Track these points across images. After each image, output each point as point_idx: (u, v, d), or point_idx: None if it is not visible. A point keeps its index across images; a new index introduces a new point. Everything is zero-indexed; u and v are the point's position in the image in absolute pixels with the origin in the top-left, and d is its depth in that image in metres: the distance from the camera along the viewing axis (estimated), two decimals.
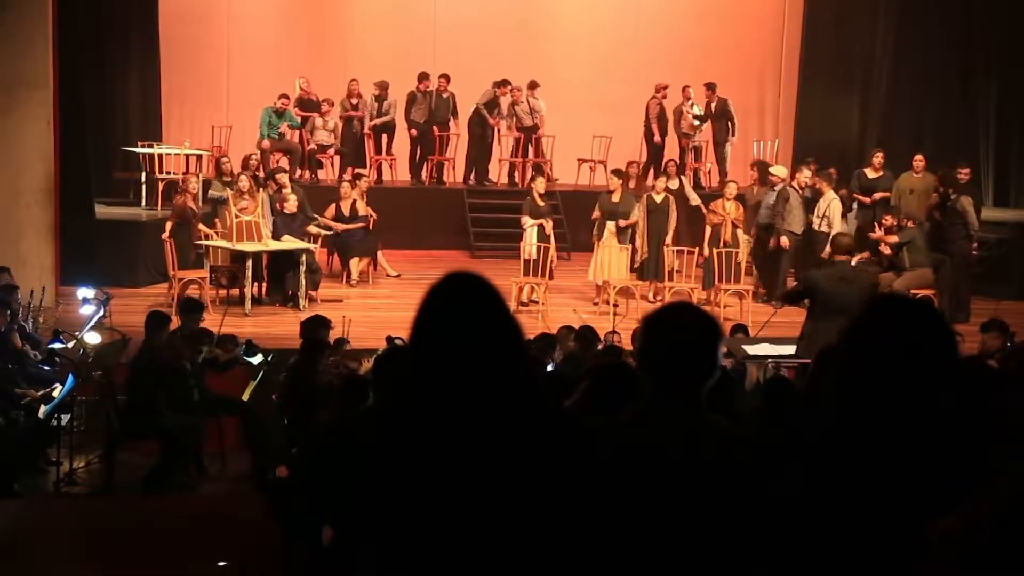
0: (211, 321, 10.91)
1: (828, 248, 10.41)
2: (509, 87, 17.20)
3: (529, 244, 13.88)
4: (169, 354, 8.99)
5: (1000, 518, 1.98)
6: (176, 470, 8.79)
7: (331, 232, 14.48)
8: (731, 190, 14.27)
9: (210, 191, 14.44)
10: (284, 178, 14.49)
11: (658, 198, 13.99)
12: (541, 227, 14.02)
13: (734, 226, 14.03)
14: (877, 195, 14.74)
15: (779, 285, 13.61)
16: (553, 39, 19.30)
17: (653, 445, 2.78)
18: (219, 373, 9.64)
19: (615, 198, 13.81)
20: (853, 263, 9.65)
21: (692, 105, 17.61)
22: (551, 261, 13.62)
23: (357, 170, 16.24)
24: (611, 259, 13.66)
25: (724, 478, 2.74)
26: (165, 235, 13.30)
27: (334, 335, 9.96)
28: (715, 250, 13.70)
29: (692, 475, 2.74)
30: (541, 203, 14.16)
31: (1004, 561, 2.04)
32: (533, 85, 17.32)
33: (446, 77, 17.28)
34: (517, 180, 17.55)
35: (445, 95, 17.32)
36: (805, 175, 14.15)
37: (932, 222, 13.68)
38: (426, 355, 2.57)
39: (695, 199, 14.94)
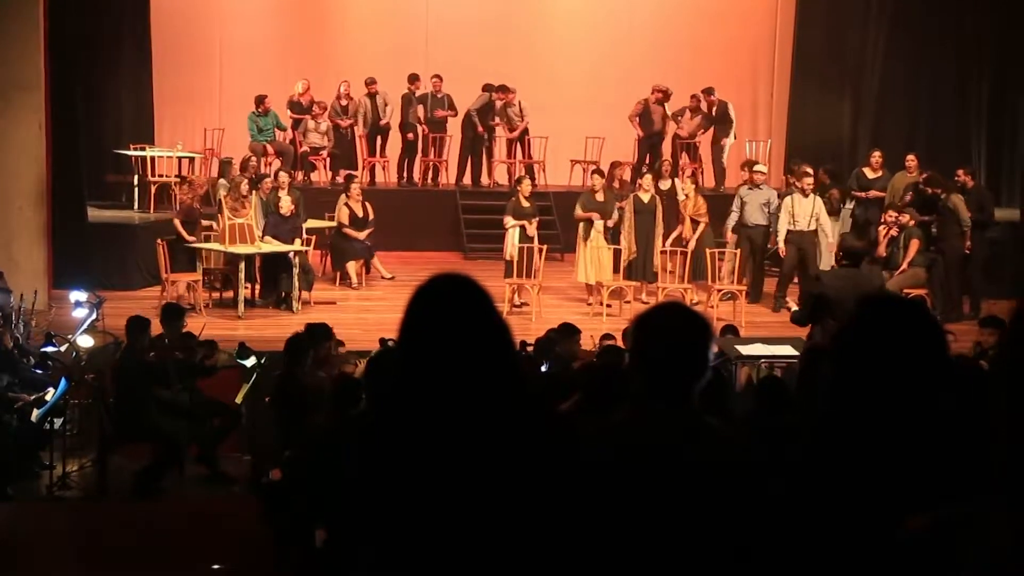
0: (201, 324, 10.88)
1: (838, 251, 10.34)
2: (509, 93, 17.18)
3: (511, 245, 13.89)
4: (155, 356, 8.98)
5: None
6: (167, 472, 8.78)
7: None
8: (687, 187, 14.43)
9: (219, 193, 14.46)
10: (284, 179, 14.53)
11: (645, 197, 13.98)
12: (523, 228, 13.99)
13: (694, 222, 14.11)
14: (872, 193, 14.74)
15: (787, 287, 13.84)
16: (546, 40, 19.30)
17: (645, 446, 2.77)
18: (205, 378, 9.59)
19: (599, 197, 13.82)
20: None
21: (692, 111, 17.75)
22: (536, 263, 13.62)
23: (348, 172, 16.27)
24: (600, 259, 13.65)
25: (717, 479, 2.74)
26: (186, 238, 13.37)
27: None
28: (691, 250, 13.80)
29: (685, 476, 2.74)
30: (526, 204, 14.13)
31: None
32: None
33: (439, 77, 17.28)
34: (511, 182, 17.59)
35: (440, 95, 17.32)
36: (809, 177, 14.19)
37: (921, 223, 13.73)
38: (414, 357, 2.56)
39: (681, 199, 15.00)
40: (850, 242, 9.70)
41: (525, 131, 17.53)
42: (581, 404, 3.89)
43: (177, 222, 13.61)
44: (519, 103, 17.38)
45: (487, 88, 17.35)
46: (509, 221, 14.05)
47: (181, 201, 14.20)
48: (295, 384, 8.23)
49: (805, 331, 9.30)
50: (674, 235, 14.22)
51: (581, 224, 13.80)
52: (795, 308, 9.99)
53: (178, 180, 15.71)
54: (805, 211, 13.64)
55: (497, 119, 17.50)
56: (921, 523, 2.19)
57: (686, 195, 14.42)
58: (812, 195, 13.78)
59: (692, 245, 13.90)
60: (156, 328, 9.89)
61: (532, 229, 13.99)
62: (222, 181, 14.67)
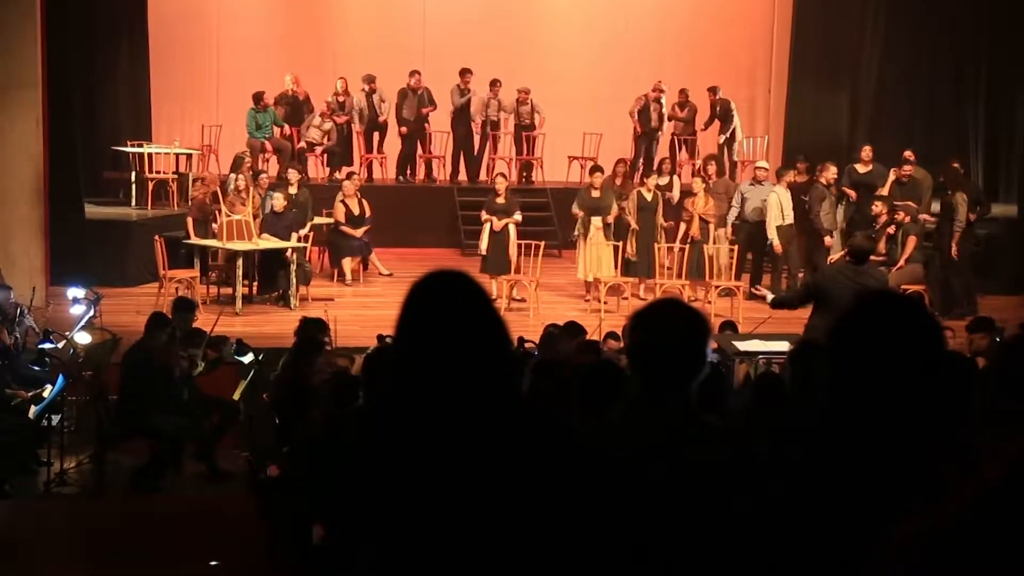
0: (203, 321, 10.88)
1: (846, 247, 10.38)
2: (471, 75, 17.19)
3: (483, 240, 13.94)
4: (161, 356, 8.97)
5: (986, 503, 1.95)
6: (166, 470, 8.77)
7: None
8: (697, 185, 14.35)
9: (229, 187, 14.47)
10: (294, 175, 14.57)
11: (648, 195, 14.01)
12: (490, 224, 13.96)
13: (703, 221, 14.09)
14: (882, 190, 14.54)
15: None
16: (544, 36, 19.30)
17: (643, 443, 2.77)
18: (206, 374, 9.60)
19: (595, 194, 13.83)
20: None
21: (680, 106, 17.80)
22: (512, 259, 13.69)
23: (349, 171, 16.29)
24: (600, 256, 13.65)
25: (715, 476, 2.74)
26: (191, 235, 13.34)
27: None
28: (688, 246, 13.81)
29: (683, 473, 2.74)
30: (500, 201, 14.11)
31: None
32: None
33: (418, 73, 17.25)
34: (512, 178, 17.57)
35: (419, 91, 17.28)
36: (831, 172, 14.18)
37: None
38: (410, 354, 2.56)
39: (675, 197, 15.00)
40: (858, 241, 9.71)
41: (531, 127, 17.54)
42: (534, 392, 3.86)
43: (189, 220, 13.61)
44: (531, 101, 17.44)
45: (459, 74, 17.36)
46: (483, 216, 14.09)
47: (193, 197, 14.19)
48: (298, 381, 8.22)
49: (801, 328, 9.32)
50: (681, 233, 14.19)
51: (580, 222, 13.81)
52: (770, 294, 10.04)
53: (175, 177, 15.75)
54: (787, 204, 13.78)
55: (500, 111, 17.51)
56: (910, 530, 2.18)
57: (694, 192, 14.36)
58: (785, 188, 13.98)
59: (710, 246, 13.85)
60: None
61: (498, 225, 13.90)
62: (233, 176, 14.68)
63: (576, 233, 13.90)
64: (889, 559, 1.82)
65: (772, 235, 13.64)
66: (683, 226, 14.25)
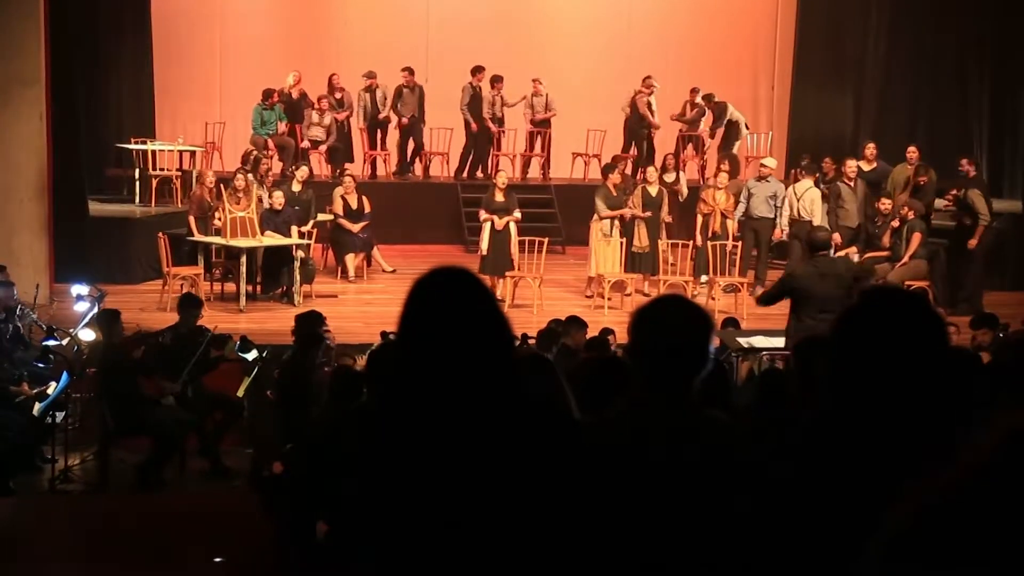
0: (206, 320, 10.89)
1: (806, 244, 10.42)
2: (482, 73, 17.17)
3: (483, 239, 13.88)
4: (132, 347, 9.01)
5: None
6: (166, 465, 8.78)
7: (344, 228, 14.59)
8: (722, 180, 14.28)
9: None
10: (304, 172, 14.57)
11: (653, 191, 13.99)
12: (492, 223, 13.90)
13: (724, 216, 14.05)
14: (900, 193, 14.43)
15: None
16: (547, 33, 19.28)
17: (644, 440, 2.77)
18: (206, 372, 9.60)
19: (614, 192, 13.82)
20: (833, 255, 9.73)
21: (695, 107, 17.79)
22: (514, 256, 13.69)
23: (346, 166, 16.32)
24: (613, 253, 13.65)
25: (717, 472, 2.74)
26: (194, 232, 13.35)
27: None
28: (709, 242, 13.75)
29: (684, 469, 2.74)
30: (499, 199, 14.04)
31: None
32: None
33: (409, 70, 17.21)
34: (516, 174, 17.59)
35: (415, 88, 17.27)
36: (851, 168, 14.14)
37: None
38: (413, 351, 2.56)
39: (683, 192, 14.96)
40: (812, 235, 9.86)
41: (547, 122, 17.55)
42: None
43: (192, 218, 13.61)
44: (546, 94, 17.43)
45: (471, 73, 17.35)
46: (482, 215, 14.05)
47: (191, 195, 14.19)
48: (299, 377, 8.23)
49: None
50: (699, 225, 14.14)
51: (605, 221, 13.74)
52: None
53: (179, 174, 15.76)
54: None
55: (504, 107, 17.50)
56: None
57: (719, 187, 14.31)
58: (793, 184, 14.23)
59: (729, 243, 13.81)
60: (163, 320, 9.94)
61: (500, 223, 13.84)
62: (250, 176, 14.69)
63: (602, 232, 13.75)
64: (886, 533, 1.82)
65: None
66: (700, 218, 14.18)
